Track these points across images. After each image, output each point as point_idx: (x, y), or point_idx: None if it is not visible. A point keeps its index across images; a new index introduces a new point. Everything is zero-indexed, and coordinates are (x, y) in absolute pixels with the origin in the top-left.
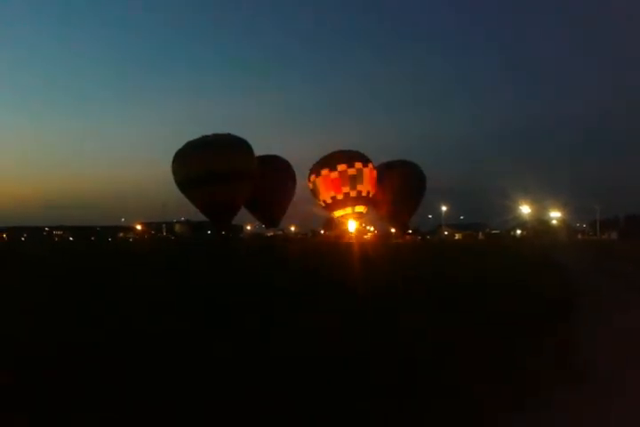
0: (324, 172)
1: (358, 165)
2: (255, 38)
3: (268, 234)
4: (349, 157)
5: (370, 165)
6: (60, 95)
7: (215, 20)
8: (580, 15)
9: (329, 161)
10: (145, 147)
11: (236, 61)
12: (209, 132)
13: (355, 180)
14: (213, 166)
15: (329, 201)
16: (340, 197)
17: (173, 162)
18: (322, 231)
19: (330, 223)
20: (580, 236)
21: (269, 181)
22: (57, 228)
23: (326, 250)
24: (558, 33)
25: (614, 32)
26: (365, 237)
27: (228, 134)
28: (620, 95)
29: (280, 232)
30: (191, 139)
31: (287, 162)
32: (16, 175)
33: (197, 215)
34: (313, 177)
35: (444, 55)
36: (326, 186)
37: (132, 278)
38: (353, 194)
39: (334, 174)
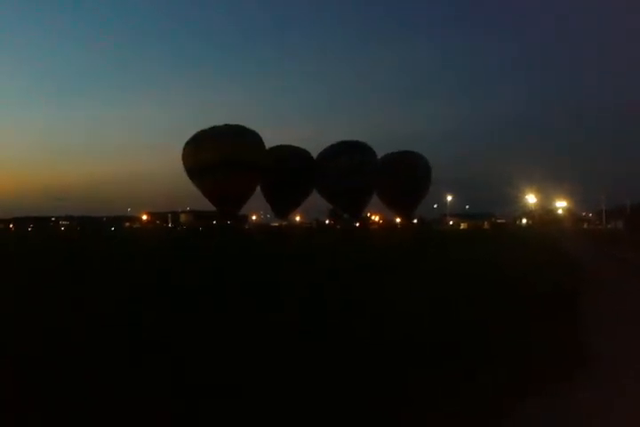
0: None
1: None
2: (261, 33)
3: (273, 224)
4: None
5: None
6: (68, 86)
7: (218, 14)
8: (581, 13)
9: None
10: (152, 138)
11: (244, 55)
12: (217, 123)
13: None
14: (224, 156)
15: None
16: None
17: (185, 149)
18: (327, 221)
19: (334, 213)
20: (585, 225)
21: (289, 175)
22: (63, 218)
23: None
24: (561, 25)
25: (614, 31)
26: None
27: (239, 125)
28: (627, 84)
29: (285, 223)
30: (201, 129)
31: (311, 157)
32: (22, 167)
33: (203, 205)
34: None
35: (447, 47)
36: None
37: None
38: None
39: None
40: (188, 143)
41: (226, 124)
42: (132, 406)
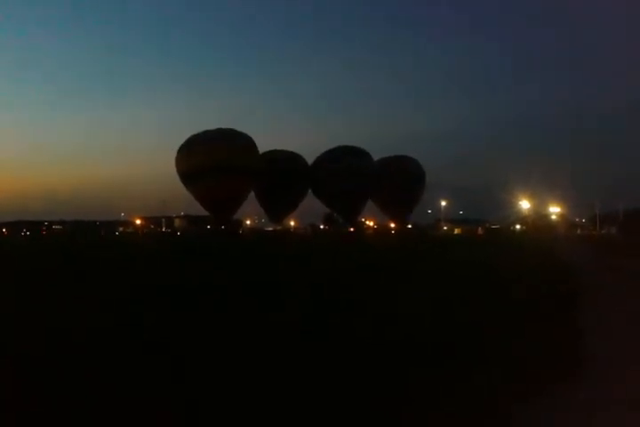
0: None
1: None
2: (255, 35)
3: (268, 229)
4: None
5: None
6: (61, 92)
7: (214, 16)
8: (581, 13)
9: None
10: (146, 143)
11: (238, 58)
12: (210, 127)
13: None
14: (217, 160)
15: None
16: None
17: (177, 154)
18: (321, 226)
19: (329, 217)
20: (579, 230)
21: (282, 178)
22: (56, 222)
23: None
24: (561, 24)
25: (614, 31)
26: None
27: (232, 129)
28: (620, 90)
29: (279, 227)
30: (193, 134)
31: (305, 161)
32: (16, 171)
33: (197, 210)
34: None
35: (443, 49)
36: None
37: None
38: None
39: None
40: (180, 148)
41: (218, 128)
42: (133, 406)
